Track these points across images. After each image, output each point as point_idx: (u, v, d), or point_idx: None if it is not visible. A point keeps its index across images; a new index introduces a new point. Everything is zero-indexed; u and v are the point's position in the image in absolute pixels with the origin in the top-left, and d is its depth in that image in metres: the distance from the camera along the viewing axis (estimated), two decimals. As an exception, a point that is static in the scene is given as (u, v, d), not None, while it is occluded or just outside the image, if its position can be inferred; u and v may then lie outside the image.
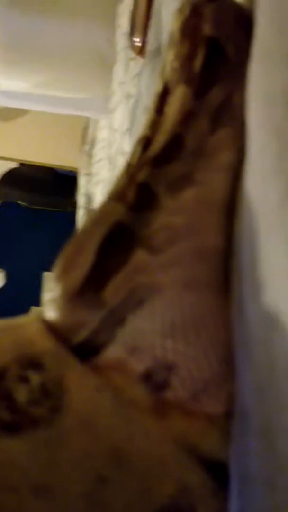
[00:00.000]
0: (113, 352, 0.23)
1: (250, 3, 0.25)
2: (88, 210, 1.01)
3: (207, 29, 0.25)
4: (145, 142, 0.25)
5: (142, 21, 0.57)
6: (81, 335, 0.23)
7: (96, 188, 0.97)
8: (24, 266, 1.75)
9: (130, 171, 0.25)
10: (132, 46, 0.59)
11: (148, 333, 0.22)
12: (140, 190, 0.24)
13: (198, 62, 0.25)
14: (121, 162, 0.64)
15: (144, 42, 0.56)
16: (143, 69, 0.53)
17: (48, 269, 0.27)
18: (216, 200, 0.24)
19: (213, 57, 0.25)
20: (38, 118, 1.46)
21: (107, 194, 0.25)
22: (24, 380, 0.22)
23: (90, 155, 1.05)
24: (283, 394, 0.19)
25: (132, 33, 0.59)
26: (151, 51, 0.50)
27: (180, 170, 0.24)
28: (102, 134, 0.96)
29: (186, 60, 0.25)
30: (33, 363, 0.22)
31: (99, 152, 0.97)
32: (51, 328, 0.23)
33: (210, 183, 0.24)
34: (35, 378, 0.22)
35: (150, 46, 0.51)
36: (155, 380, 0.22)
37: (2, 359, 0.22)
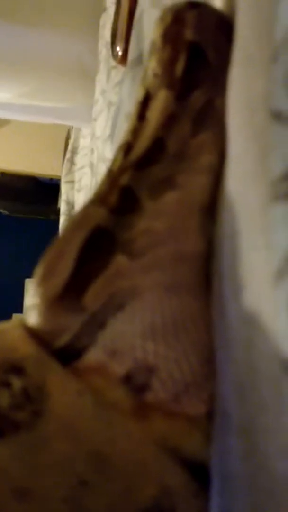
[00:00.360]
0: (94, 355, 0.22)
1: (231, 9, 0.25)
2: (70, 217, 1.02)
3: (188, 34, 0.25)
4: (127, 148, 0.25)
5: (124, 30, 0.57)
6: (63, 340, 0.23)
7: (78, 195, 0.97)
8: (7, 273, 1.74)
9: (112, 176, 0.25)
10: (114, 55, 0.59)
11: (129, 336, 0.22)
12: (122, 194, 0.24)
13: (179, 67, 0.25)
14: (102, 169, 0.64)
15: (125, 51, 0.56)
16: (124, 77, 0.53)
17: (30, 276, 0.27)
18: (197, 202, 0.24)
19: (195, 61, 0.25)
20: (20, 128, 1.47)
21: (89, 199, 0.25)
22: (6, 385, 0.21)
23: (72, 163, 1.05)
24: (263, 394, 0.19)
25: (113, 42, 0.59)
26: (132, 60, 0.50)
27: (162, 173, 0.24)
28: (84, 142, 0.97)
29: (168, 65, 0.25)
30: (15, 368, 0.22)
31: (81, 159, 0.97)
32: (32, 333, 0.23)
33: (191, 186, 0.24)
34: (17, 383, 0.22)
35: (131, 55, 0.51)
36: (136, 383, 0.22)
37: None
